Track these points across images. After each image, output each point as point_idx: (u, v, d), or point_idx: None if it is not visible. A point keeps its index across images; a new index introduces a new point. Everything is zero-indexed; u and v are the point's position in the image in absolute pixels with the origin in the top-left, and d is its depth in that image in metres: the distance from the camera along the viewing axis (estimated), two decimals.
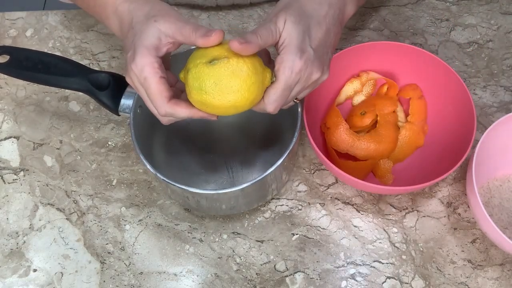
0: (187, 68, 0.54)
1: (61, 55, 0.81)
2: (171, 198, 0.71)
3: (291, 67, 0.53)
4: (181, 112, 0.55)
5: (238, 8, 0.85)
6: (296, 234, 0.68)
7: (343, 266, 0.66)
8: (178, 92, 0.58)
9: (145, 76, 0.53)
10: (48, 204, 0.72)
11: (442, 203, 0.69)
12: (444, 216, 0.69)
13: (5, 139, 0.76)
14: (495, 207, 0.67)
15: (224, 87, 0.52)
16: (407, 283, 0.65)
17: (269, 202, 0.70)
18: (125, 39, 0.57)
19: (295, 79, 0.54)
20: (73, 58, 0.81)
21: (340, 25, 0.60)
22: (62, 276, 0.67)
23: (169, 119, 0.57)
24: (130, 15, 0.57)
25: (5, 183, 0.73)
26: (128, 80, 0.56)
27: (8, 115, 0.78)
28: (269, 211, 0.70)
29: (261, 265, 0.67)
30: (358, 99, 0.74)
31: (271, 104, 0.55)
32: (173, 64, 0.60)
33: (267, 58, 0.59)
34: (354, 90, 0.73)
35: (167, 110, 0.55)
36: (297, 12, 0.55)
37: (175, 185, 0.60)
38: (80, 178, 0.73)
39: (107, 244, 0.69)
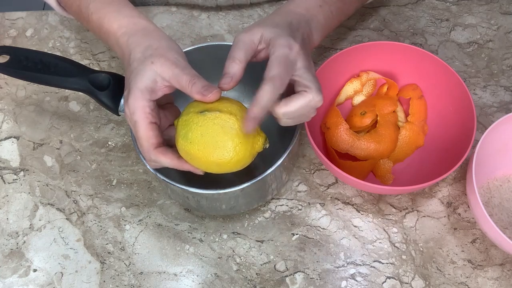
0: (180, 115, 0.54)
1: (61, 55, 0.81)
2: (171, 198, 0.71)
3: (287, 44, 0.53)
4: (165, 162, 0.55)
5: (238, 8, 0.85)
6: (296, 234, 0.68)
7: (343, 266, 0.66)
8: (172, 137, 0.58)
9: (135, 120, 0.54)
10: (48, 204, 0.72)
11: (442, 203, 0.69)
12: (444, 216, 0.69)
13: (5, 139, 0.76)
14: (495, 207, 0.67)
15: (210, 140, 0.51)
16: (407, 283, 0.65)
17: (269, 202, 0.70)
18: (125, 71, 0.57)
19: (293, 56, 0.53)
20: (73, 58, 0.82)
21: (310, 48, 0.61)
22: (62, 276, 0.67)
23: (155, 165, 0.57)
24: (129, 49, 0.57)
25: (5, 183, 0.73)
26: (125, 115, 0.56)
27: (8, 115, 0.78)
28: (269, 211, 0.70)
29: (261, 265, 0.67)
30: (358, 99, 0.74)
31: (270, 80, 0.51)
32: None
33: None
34: (354, 90, 0.73)
35: (152, 157, 0.55)
36: (272, 23, 0.56)
37: (175, 185, 0.60)
38: (80, 178, 0.73)
39: (107, 244, 0.69)
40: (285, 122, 0.56)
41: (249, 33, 0.55)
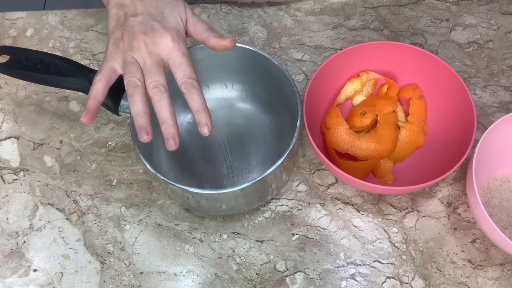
0: None
1: (61, 55, 0.81)
2: (171, 198, 0.71)
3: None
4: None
5: (238, 8, 0.85)
6: (296, 234, 0.68)
7: (343, 266, 0.66)
8: None
9: (164, 7, 0.58)
10: (48, 204, 0.72)
11: (442, 203, 0.69)
12: (444, 216, 0.69)
13: (5, 139, 0.76)
14: (495, 207, 0.67)
15: None
16: (407, 283, 0.65)
17: (269, 202, 0.70)
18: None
19: None
20: (73, 58, 0.81)
21: None
22: (62, 276, 0.67)
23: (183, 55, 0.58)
24: None
25: (5, 183, 0.73)
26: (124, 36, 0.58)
27: (8, 115, 0.78)
28: (269, 211, 0.70)
29: (261, 265, 0.67)
30: (358, 99, 0.74)
31: None
32: None
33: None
34: (354, 90, 0.73)
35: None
36: None
37: (175, 185, 0.60)
38: (80, 178, 0.73)
39: (107, 244, 0.69)
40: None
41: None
